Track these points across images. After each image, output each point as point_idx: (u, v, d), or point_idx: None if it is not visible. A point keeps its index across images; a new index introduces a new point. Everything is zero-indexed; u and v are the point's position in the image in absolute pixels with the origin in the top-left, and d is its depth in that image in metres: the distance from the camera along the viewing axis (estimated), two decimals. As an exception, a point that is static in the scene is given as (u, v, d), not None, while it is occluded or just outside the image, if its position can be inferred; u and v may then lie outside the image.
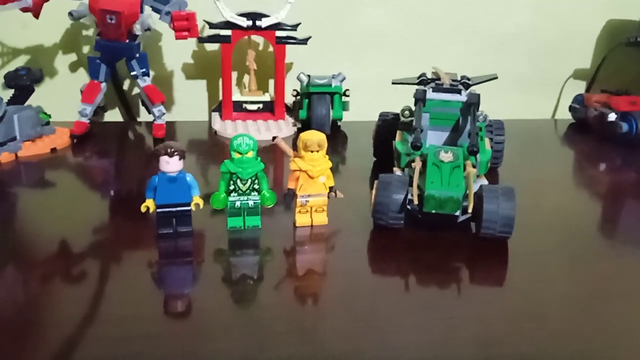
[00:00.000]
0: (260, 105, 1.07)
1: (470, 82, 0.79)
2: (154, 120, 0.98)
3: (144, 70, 0.96)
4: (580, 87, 1.26)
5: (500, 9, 1.18)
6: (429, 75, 0.81)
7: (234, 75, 1.11)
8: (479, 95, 0.73)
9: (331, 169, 0.65)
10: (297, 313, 0.52)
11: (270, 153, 0.89)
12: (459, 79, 0.79)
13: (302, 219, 0.66)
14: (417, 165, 0.65)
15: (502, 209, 0.61)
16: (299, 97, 1.06)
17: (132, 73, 0.95)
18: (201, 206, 0.62)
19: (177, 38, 0.92)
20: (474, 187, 0.63)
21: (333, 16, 1.14)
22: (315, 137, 0.63)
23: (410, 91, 0.76)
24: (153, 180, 0.60)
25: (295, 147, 0.65)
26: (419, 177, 0.64)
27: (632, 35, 1.14)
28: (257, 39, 1.09)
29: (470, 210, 0.61)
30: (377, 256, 0.62)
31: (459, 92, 0.74)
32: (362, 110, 1.07)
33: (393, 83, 0.86)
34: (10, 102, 0.89)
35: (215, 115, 1.07)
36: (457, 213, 0.62)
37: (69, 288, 0.55)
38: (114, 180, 0.85)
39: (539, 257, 0.62)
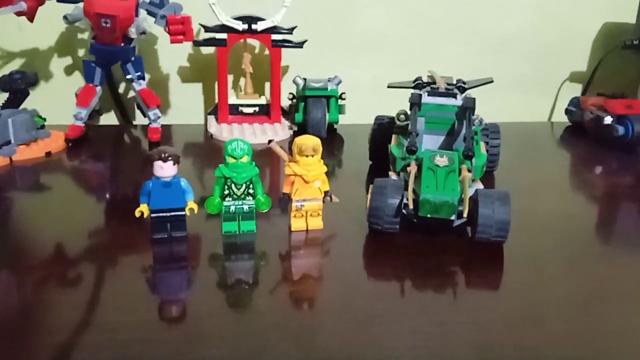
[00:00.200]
0: (256, 109, 1.06)
1: (465, 86, 0.78)
2: (150, 123, 0.97)
3: (139, 73, 0.95)
4: (576, 89, 1.26)
5: (497, 11, 1.18)
6: (425, 79, 0.81)
7: (230, 78, 1.11)
8: (474, 99, 0.73)
9: (327, 172, 0.65)
10: (293, 318, 0.52)
11: (265, 157, 0.88)
12: (454, 82, 0.79)
13: (297, 224, 0.65)
14: (413, 169, 0.64)
15: (497, 213, 0.61)
16: (295, 101, 1.06)
17: (128, 76, 0.95)
18: (195, 211, 0.62)
19: (172, 42, 0.92)
20: (470, 192, 0.63)
21: (329, 19, 1.14)
22: (310, 141, 0.62)
23: (406, 94, 0.76)
24: (147, 185, 0.60)
25: (290, 151, 0.65)
26: (414, 182, 0.63)
27: (628, 38, 1.14)
28: (253, 42, 1.09)
29: (465, 215, 0.61)
30: (372, 261, 0.62)
31: (454, 96, 0.74)
32: (358, 114, 1.07)
33: (389, 87, 0.86)
34: (5, 105, 0.89)
35: (211, 118, 1.07)
36: (453, 217, 0.62)
37: (63, 293, 0.54)
38: (109, 184, 0.85)
39: (535, 261, 0.62)
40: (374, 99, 1.04)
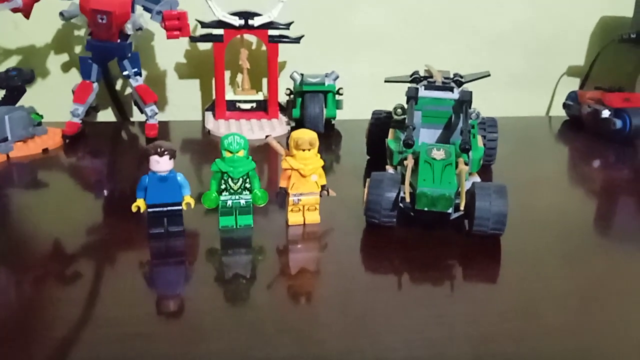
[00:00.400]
0: (254, 104, 1.06)
1: (462, 80, 0.78)
2: (147, 120, 0.97)
3: (136, 70, 0.95)
4: (574, 84, 1.26)
5: (493, 6, 1.18)
6: (422, 73, 0.81)
7: (227, 74, 1.11)
8: (471, 92, 0.73)
9: (324, 167, 0.65)
10: (290, 312, 0.52)
11: (262, 152, 0.88)
12: (451, 76, 0.79)
13: (294, 218, 0.65)
14: (410, 163, 0.64)
15: (494, 206, 0.61)
16: (292, 96, 1.06)
17: (124, 73, 0.95)
18: (192, 206, 0.62)
19: (168, 37, 0.92)
20: (466, 185, 0.63)
21: (326, 14, 1.13)
22: (306, 135, 0.62)
23: (403, 89, 0.76)
24: (143, 180, 0.60)
25: (287, 146, 0.65)
26: (411, 175, 0.63)
27: (625, 32, 1.14)
28: (250, 37, 1.09)
29: (462, 208, 0.61)
30: (369, 254, 0.62)
31: (451, 89, 0.74)
32: (355, 109, 1.07)
33: (386, 81, 0.86)
34: (2, 102, 0.89)
35: (209, 114, 1.06)
36: (450, 211, 0.62)
37: (61, 289, 0.54)
38: (106, 180, 0.85)
39: (532, 255, 0.62)
40: (371, 94, 1.04)
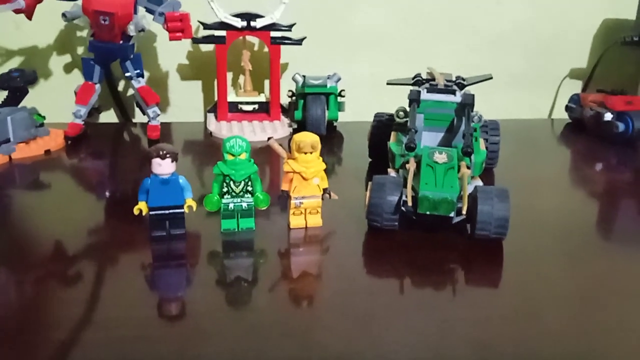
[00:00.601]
0: (256, 106, 1.06)
1: (464, 83, 0.78)
2: (149, 121, 0.97)
3: (138, 71, 0.95)
4: (576, 86, 1.26)
5: (495, 7, 1.18)
6: (424, 76, 0.81)
7: (229, 76, 1.11)
8: (473, 95, 0.73)
9: (326, 170, 0.65)
10: (292, 315, 0.52)
11: (264, 154, 0.88)
12: (453, 79, 0.79)
13: (296, 221, 0.65)
14: (412, 166, 0.64)
15: (496, 210, 0.61)
16: (294, 98, 1.06)
17: (127, 74, 0.95)
18: (194, 208, 0.62)
19: (171, 39, 0.91)
20: (469, 188, 0.63)
21: (328, 16, 1.13)
22: (308, 138, 0.62)
23: (406, 91, 0.76)
24: (145, 183, 0.60)
25: (289, 148, 0.65)
26: (413, 178, 0.63)
27: (628, 34, 1.14)
28: (252, 39, 1.09)
29: (464, 212, 0.60)
30: (371, 258, 0.62)
31: (453, 92, 0.74)
32: (357, 111, 1.06)
33: (388, 84, 0.86)
34: (4, 103, 0.89)
35: (211, 116, 1.06)
36: (452, 214, 0.62)
37: (62, 290, 0.54)
38: (108, 182, 0.85)
39: (534, 257, 0.61)
40: (373, 96, 1.04)
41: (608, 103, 1.03)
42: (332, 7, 1.13)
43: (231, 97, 1.06)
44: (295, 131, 1.00)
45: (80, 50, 1.10)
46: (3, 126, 0.85)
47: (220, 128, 1.02)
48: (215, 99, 1.06)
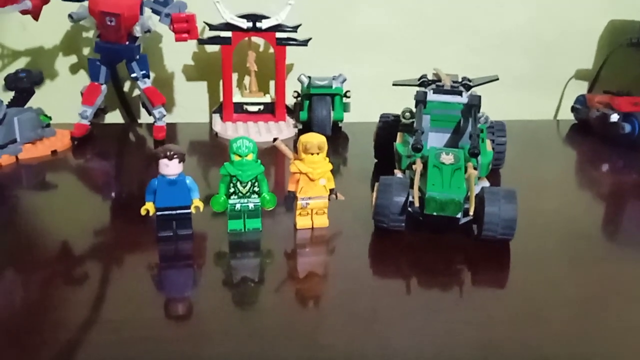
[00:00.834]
0: (261, 107, 1.06)
1: (471, 84, 0.78)
2: (155, 122, 0.98)
3: (144, 72, 0.96)
4: (582, 87, 1.26)
5: (500, 8, 1.18)
6: (430, 77, 0.81)
7: (235, 76, 1.11)
8: (479, 97, 0.73)
9: (332, 171, 0.65)
10: (298, 316, 0.52)
11: (270, 155, 0.88)
12: (460, 80, 0.79)
13: (302, 222, 0.65)
14: (418, 167, 0.64)
15: (503, 211, 0.60)
16: (299, 99, 1.06)
17: (133, 75, 0.95)
18: (201, 209, 0.62)
19: (177, 40, 0.92)
20: (476, 189, 0.63)
21: (333, 17, 1.13)
22: (315, 139, 0.62)
23: (411, 92, 0.75)
24: (152, 183, 0.60)
25: (296, 149, 0.65)
26: (419, 179, 0.63)
27: (634, 36, 1.13)
28: (258, 40, 1.09)
29: (471, 213, 0.60)
30: (378, 259, 0.62)
31: (459, 93, 0.74)
32: (363, 112, 1.06)
33: (394, 84, 0.86)
34: (11, 104, 0.89)
35: (216, 116, 1.07)
36: (459, 215, 0.62)
37: (69, 291, 0.54)
38: (114, 182, 0.85)
39: (541, 259, 0.61)
40: (379, 97, 1.04)
41: (614, 104, 1.03)
42: (338, 8, 1.13)
43: (236, 97, 1.06)
44: (300, 132, 1.00)
45: (86, 51, 1.10)
46: (10, 127, 0.85)
47: (225, 129, 1.02)
48: (221, 99, 1.06)
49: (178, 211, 0.61)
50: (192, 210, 0.62)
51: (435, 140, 0.74)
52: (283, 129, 1.03)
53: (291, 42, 1.02)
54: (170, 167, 0.59)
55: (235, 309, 0.53)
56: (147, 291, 0.54)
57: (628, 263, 0.62)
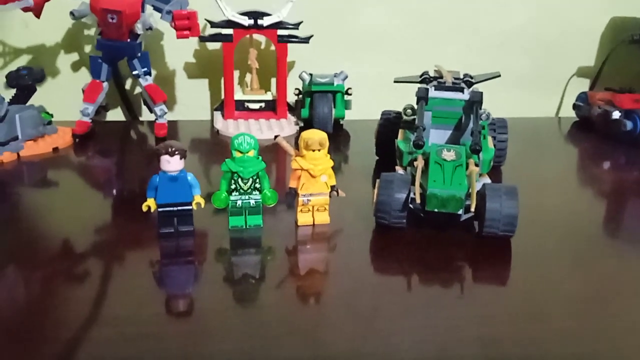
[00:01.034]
0: (263, 104, 1.06)
1: (472, 80, 0.78)
2: (156, 119, 0.98)
3: (145, 69, 0.96)
4: (584, 84, 1.25)
5: (501, 7, 1.18)
6: (432, 74, 0.81)
7: (236, 74, 1.11)
8: (481, 93, 0.73)
9: (333, 168, 0.65)
10: (299, 313, 0.52)
11: (272, 152, 0.88)
12: (461, 77, 0.79)
13: (303, 218, 0.65)
14: (420, 163, 0.64)
15: (505, 207, 0.60)
16: (301, 96, 1.06)
17: (134, 72, 0.95)
18: (202, 205, 0.62)
19: (178, 37, 0.92)
20: (477, 186, 0.63)
21: (335, 15, 1.13)
22: (316, 136, 0.62)
23: (412, 89, 0.75)
24: (154, 180, 0.60)
25: (297, 146, 0.65)
26: (421, 176, 0.63)
27: (635, 33, 1.13)
28: (259, 37, 1.09)
29: (472, 209, 0.60)
30: (379, 255, 0.62)
31: (461, 90, 0.74)
32: (364, 109, 1.06)
33: (395, 81, 0.86)
34: (12, 101, 0.89)
35: (217, 114, 1.07)
36: (460, 212, 0.62)
37: (70, 288, 0.54)
38: (116, 179, 0.85)
39: (542, 256, 0.61)
40: (380, 94, 1.04)
41: (616, 101, 1.03)
42: (339, 6, 1.13)
43: (238, 95, 1.06)
44: (302, 129, 1.00)
45: (87, 48, 1.10)
46: (11, 124, 0.85)
47: (227, 126, 1.02)
48: (222, 97, 1.06)
49: (179, 207, 0.61)
50: (194, 206, 0.62)
51: (436, 136, 0.73)
52: (284, 127, 1.03)
53: (293, 40, 1.02)
54: (171, 164, 0.59)
55: (236, 306, 0.53)
56: (148, 288, 0.54)
57: (629, 260, 0.62)
